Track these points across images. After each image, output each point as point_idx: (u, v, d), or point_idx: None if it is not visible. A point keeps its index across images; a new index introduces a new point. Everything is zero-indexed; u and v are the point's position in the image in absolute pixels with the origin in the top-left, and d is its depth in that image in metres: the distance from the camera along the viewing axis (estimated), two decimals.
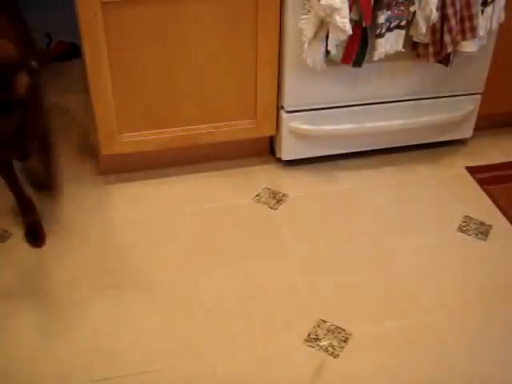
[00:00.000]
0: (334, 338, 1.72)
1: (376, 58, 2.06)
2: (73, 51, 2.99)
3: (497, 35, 2.21)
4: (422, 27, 2.02)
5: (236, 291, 1.86)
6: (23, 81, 1.70)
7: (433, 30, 2.04)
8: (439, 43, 2.06)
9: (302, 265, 1.95)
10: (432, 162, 2.40)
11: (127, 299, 1.82)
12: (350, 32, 1.92)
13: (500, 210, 2.18)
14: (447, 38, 2.03)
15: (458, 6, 2.00)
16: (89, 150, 2.41)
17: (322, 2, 1.87)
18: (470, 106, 2.36)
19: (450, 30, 2.02)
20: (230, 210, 2.16)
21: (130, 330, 1.74)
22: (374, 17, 1.97)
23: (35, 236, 2.02)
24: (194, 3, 1.96)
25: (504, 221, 2.14)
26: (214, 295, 1.84)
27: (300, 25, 1.99)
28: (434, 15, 1.98)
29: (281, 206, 2.18)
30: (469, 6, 2.03)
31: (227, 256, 1.98)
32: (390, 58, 2.10)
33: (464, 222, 2.13)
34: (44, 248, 1.99)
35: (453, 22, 2.01)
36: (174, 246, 2.01)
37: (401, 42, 2.06)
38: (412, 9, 1.99)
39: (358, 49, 2.02)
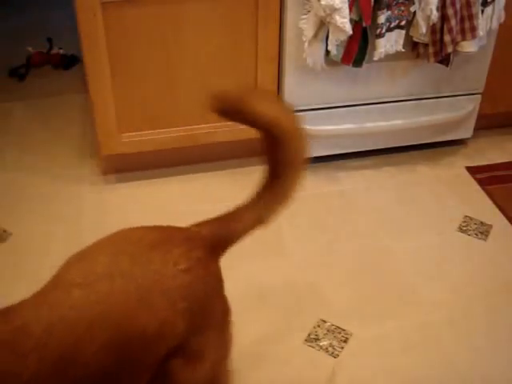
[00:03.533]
0: (334, 338, 1.71)
1: (376, 57, 2.06)
2: (69, 61, 2.98)
3: (497, 35, 2.21)
4: (422, 27, 2.02)
5: (236, 291, 1.85)
6: None
7: (433, 30, 2.04)
8: (439, 43, 2.06)
9: (302, 265, 1.95)
10: (432, 162, 2.40)
11: None
12: (350, 32, 1.92)
13: (500, 209, 2.18)
14: (447, 38, 2.03)
15: (458, 6, 2.00)
16: (89, 149, 2.41)
17: (322, 2, 1.87)
18: (469, 106, 2.36)
19: (450, 30, 2.02)
20: None
21: None
22: (374, 17, 1.97)
23: None
24: (193, 3, 1.96)
25: (504, 221, 2.14)
26: None
27: (300, 25, 1.99)
28: (434, 15, 1.98)
29: None
30: (469, 5, 2.03)
31: (227, 256, 1.98)
32: (390, 58, 2.10)
33: (464, 222, 2.13)
34: (43, 249, 1.99)
35: (453, 22, 2.01)
36: None
37: (401, 42, 2.06)
38: (412, 9, 1.99)
39: (358, 49, 2.02)
